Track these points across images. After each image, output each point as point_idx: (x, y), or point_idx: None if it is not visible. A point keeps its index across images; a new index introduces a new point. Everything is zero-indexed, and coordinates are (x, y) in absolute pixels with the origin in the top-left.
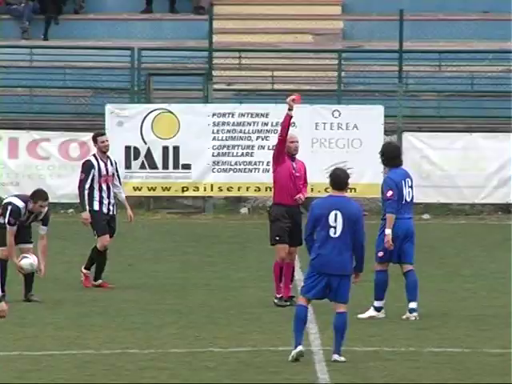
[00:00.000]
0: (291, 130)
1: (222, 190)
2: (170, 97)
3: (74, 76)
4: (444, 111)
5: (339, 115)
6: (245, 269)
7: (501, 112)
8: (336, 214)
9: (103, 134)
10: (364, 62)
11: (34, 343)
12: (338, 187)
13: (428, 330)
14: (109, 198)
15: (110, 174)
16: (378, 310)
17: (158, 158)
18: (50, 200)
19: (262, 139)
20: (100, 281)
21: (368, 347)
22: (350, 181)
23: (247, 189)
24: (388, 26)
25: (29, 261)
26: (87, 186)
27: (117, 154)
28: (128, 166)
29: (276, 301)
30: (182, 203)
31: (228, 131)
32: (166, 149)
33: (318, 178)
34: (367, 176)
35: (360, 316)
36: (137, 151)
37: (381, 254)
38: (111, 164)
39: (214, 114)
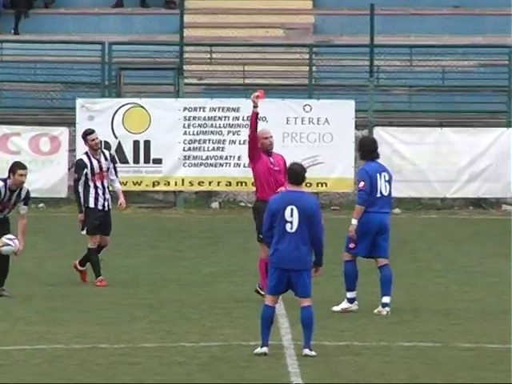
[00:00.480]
0: (264, 126)
1: (192, 185)
2: (141, 91)
3: (44, 70)
4: (415, 106)
5: (310, 110)
6: (216, 263)
7: (472, 106)
8: (292, 209)
9: (93, 132)
10: (335, 57)
11: (5, 338)
12: (295, 182)
13: (399, 325)
14: (104, 194)
15: (105, 169)
16: (350, 301)
17: (128, 152)
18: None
19: (233, 134)
20: (100, 277)
21: (339, 342)
22: (321, 175)
23: (218, 183)
24: (359, 21)
25: (10, 249)
26: (81, 185)
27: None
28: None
29: (262, 292)
30: (153, 198)
31: (199, 125)
32: (136, 143)
33: None
34: (338, 170)
35: (334, 308)
36: (107, 145)
37: (352, 245)
38: (105, 159)
39: (184, 109)
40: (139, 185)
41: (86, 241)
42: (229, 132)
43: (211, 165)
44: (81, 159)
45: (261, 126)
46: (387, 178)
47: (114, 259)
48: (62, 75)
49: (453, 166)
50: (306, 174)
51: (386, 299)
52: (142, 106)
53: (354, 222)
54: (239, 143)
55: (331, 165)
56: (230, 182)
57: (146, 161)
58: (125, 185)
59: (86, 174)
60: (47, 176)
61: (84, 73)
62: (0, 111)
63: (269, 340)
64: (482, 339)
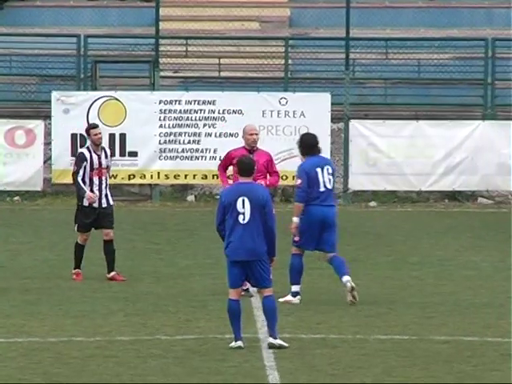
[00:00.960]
0: (240, 119)
1: (168, 178)
2: (117, 84)
3: (19, 63)
4: (391, 99)
5: (286, 103)
6: (192, 256)
7: (447, 99)
8: (243, 200)
9: (96, 127)
10: (311, 50)
11: None
12: (245, 174)
13: (375, 318)
14: (100, 190)
15: (104, 166)
16: (294, 295)
17: (104, 145)
18: None
19: (209, 127)
20: (78, 270)
21: (315, 334)
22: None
23: (194, 176)
24: (335, 14)
25: None
26: (80, 176)
27: (63, 141)
28: (74, 154)
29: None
30: (129, 191)
31: (175, 118)
32: (112, 136)
33: None
34: None
35: (279, 300)
36: (83, 138)
37: (296, 238)
38: (106, 157)
39: (160, 102)
40: (115, 178)
41: (61, 234)
42: (204, 125)
43: (187, 158)
44: (82, 152)
45: (237, 119)
46: (330, 171)
47: (90, 252)
48: (38, 68)
49: (428, 158)
50: (283, 168)
51: (345, 278)
52: (117, 99)
53: (295, 219)
54: (215, 136)
55: None
56: (205, 175)
57: (122, 154)
58: None
59: (85, 167)
60: (22, 169)
61: (59, 66)
62: None
63: (241, 333)
64: (458, 332)
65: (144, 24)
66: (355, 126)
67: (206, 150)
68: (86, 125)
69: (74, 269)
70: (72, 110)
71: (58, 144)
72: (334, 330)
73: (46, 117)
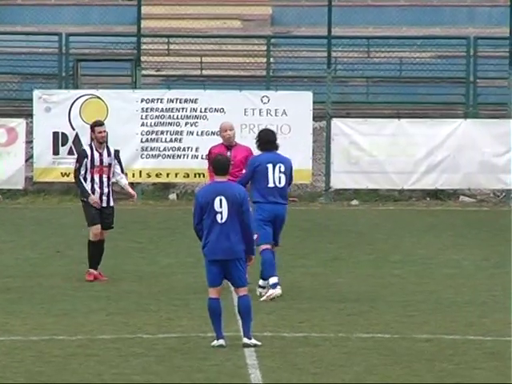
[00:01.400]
0: (222, 117)
1: (150, 176)
2: (99, 82)
3: (1, 62)
4: (373, 97)
5: (268, 101)
6: (174, 255)
7: (429, 98)
8: (221, 200)
9: (102, 124)
10: (293, 48)
11: None
12: (220, 173)
13: (357, 316)
14: (101, 189)
15: (106, 164)
16: (273, 286)
17: (86, 143)
18: None
19: (191, 125)
20: (95, 271)
21: (297, 333)
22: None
23: (176, 175)
24: (317, 12)
25: None
26: (81, 175)
27: (44, 139)
28: (56, 152)
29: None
30: None
31: (156, 117)
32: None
33: None
34: (296, 162)
35: (262, 299)
36: (65, 137)
37: (255, 236)
38: (108, 155)
39: (142, 100)
40: None
41: (42, 232)
42: (186, 123)
43: (169, 156)
44: (83, 149)
45: (218, 117)
46: (283, 170)
47: (71, 251)
48: (19, 66)
49: (410, 157)
50: None
51: (273, 279)
52: (99, 98)
53: None
54: (197, 134)
55: (289, 156)
56: (187, 174)
57: None
58: None
59: (86, 164)
60: (4, 167)
61: (41, 64)
62: None
63: (223, 332)
64: (440, 330)
65: (126, 22)
66: (337, 124)
67: (188, 148)
68: (68, 123)
69: (90, 268)
70: (54, 109)
71: (40, 142)
72: (316, 329)
73: (28, 115)
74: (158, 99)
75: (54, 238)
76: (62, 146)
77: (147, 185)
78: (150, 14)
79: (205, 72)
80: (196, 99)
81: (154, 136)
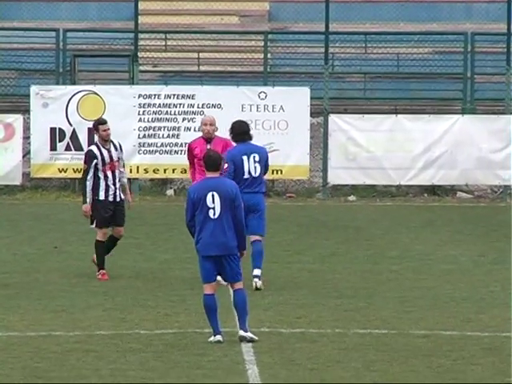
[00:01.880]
0: (219, 113)
1: (147, 172)
2: (96, 78)
3: None
4: (370, 93)
5: (265, 97)
6: (171, 251)
7: (427, 93)
8: (213, 195)
9: (105, 123)
10: (290, 44)
11: None
12: (211, 169)
13: (354, 312)
14: (114, 185)
15: (115, 159)
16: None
17: (83, 139)
18: None
19: (188, 121)
20: (103, 270)
21: (294, 329)
22: (276, 162)
23: (173, 171)
24: (314, 8)
25: None
26: (89, 176)
27: (42, 135)
28: (53, 148)
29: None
30: None
31: (154, 113)
32: (91, 130)
33: None
34: (293, 158)
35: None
36: (62, 133)
37: None
38: (115, 149)
39: (139, 96)
40: None
41: (40, 228)
42: (184, 119)
43: (166, 152)
44: (91, 150)
45: (216, 113)
46: (257, 159)
47: (69, 247)
48: (17, 62)
49: (408, 153)
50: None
51: (257, 271)
52: (96, 93)
53: None
54: (194, 130)
55: (286, 152)
56: (185, 170)
57: None
58: (79, 172)
59: (96, 164)
60: (1, 163)
61: (38, 60)
62: None
63: (220, 327)
64: (437, 326)
65: (123, 18)
66: (334, 120)
67: (185, 144)
68: (65, 119)
69: (99, 270)
70: (51, 104)
71: (37, 138)
72: (314, 325)
73: (25, 111)
74: (155, 95)
75: (51, 233)
76: (60, 141)
77: (144, 180)
78: (147, 9)
79: (202, 68)
80: (193, 95)
81: (151, 132)
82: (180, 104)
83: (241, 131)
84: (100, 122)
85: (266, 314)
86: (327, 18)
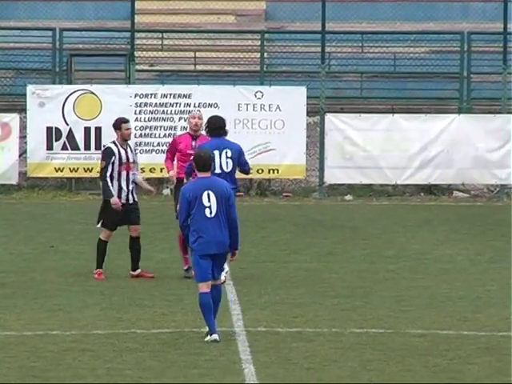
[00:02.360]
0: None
1: (144, 171)
2: (92, 77)
3: None
4: (367, 92)
5: (262, 96)
6: (168, 250)
7: (423, 93)
8: (209, 194)
9: (128, 121)
10: (287, 43)
11: None
12: (203, 169)
13: (351, 311)
14: (128, 186)
15: (131, 161)
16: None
17: (79, 138)
18: None
19: (185, 120)
20: (100, 270)
21: (291, 328)
22: (272, 162)
23: None
24: (311, 7)
25: None
26: (109, 173)
27: (38, 134)
28: (50, 147)
29: (184, 273)
30: None
31: (150, 112)
32: (87, 130)
33: None
34: (290, 157)
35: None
36: (58, 132)
37: None
38: (131, 151)
39: (136, 95)
40: (90, 171)
41: (36, 227)
42: (180, 118)
43: (163, 151)
44: (109, 147)
45: (212, 112)
46: (229, 155)
47: (66, 246)
48: (13, 61)
49: (404, 152)
50: (258, 161)
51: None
52: (93, 93)
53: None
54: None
55: (283, 151)
56: None
57: (98, 147)
58: (76, 171)
59: (113, 162)
60: None
61: (35, 59)
62: None
63: (216, 326)
64: (434, 325)
65: (119, 17)
66: (331, 119)
67: None
68: (61, 118)
69: (96, 268)
70: (47, 104)
71: (34, 137)
72: (310, 324)
73: (22, 110)
74: (151, 94)
75: (48, 233)
76: (56, 141)
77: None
78: (143, 9)
79: (198, 67)
80: (190, 94)
81: (147, 131)
82: (176, 103)
83: (216, 126)
84: (123, 120)
85: (262, 313)
86: (324, 17)
